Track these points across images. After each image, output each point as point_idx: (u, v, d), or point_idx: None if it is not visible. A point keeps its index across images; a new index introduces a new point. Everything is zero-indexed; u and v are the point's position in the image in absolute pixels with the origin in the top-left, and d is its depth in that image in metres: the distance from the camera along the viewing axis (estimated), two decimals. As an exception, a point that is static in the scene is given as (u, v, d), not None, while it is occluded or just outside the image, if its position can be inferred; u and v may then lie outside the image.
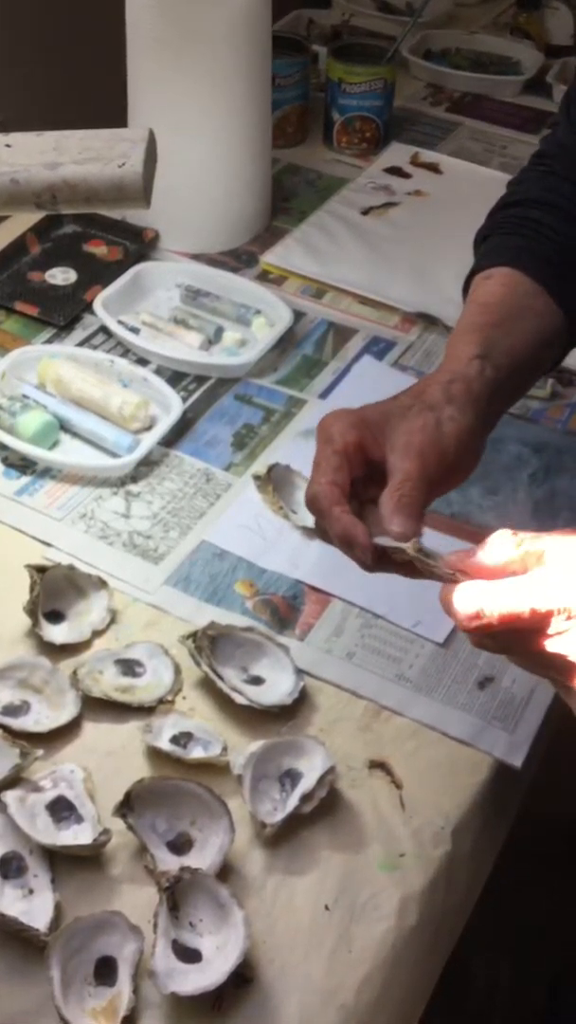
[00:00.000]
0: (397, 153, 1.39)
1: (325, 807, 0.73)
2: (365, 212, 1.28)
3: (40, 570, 0.85)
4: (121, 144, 0.78)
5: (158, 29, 1.09)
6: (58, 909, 0.67)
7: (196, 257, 1.22)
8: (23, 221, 1.23)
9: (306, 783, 0.73)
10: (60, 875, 0.69)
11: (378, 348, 1.12)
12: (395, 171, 1.36)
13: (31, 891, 0.68)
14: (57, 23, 1.32)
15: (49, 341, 1.11)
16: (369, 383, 1.07)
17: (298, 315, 1.13)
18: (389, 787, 0.75)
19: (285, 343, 1.11)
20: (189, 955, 0.65)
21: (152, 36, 1.10)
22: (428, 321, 1.14)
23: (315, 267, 1.20)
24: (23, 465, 0.98)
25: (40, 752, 0.74)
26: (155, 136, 0.78)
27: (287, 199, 1.31)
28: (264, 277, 1.20)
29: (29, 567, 0.85)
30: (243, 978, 0.65)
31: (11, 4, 1.23)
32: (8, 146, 0.78)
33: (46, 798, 0.72)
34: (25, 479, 0.97)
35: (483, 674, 0.83)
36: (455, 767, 0.76)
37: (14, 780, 0.73)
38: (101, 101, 1.19)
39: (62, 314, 1.12)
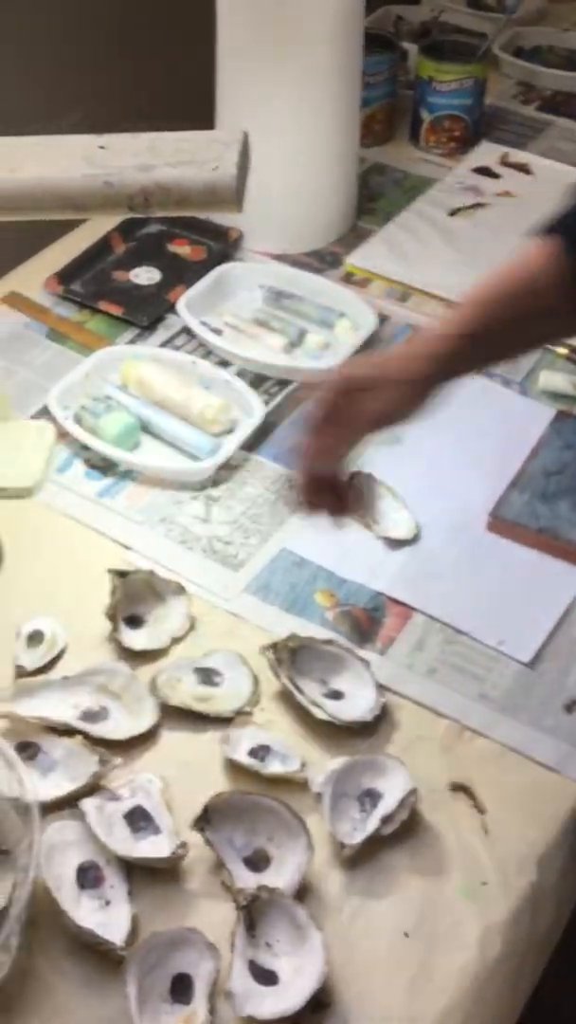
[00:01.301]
0: (486, 153, 1.35)
1: (405, 829, 0.71)
2: (453, 213, 1.26)
3: (121, 575, 0.84)
4: (215, 146, 0.77)
5: (251, 26, 1.08)
6: (135, 922, 0.67)
7: (279, 257, 1.20)
8: (108, 220, 1.23)
9: (387, 804, 0.71)
10: (136, 887, 0.69)
11: (464, 354, 1.09)
12: (484, 171, 1.33)
13: (108, 902, 0.68)
14: (144, 21, 1.32)
15: (132, 341, 1.11)
16: (455, 391, 1.04)
17: (382, 318, 1.11)
18: (471, 812, 0.73)
19: (369, 347, 1.09)
20: (266, 977, 0.64)
21: (244, 33, 1.08)
22: (516, 327, 1.11)
23: (400, 269, 1.18)
24: (104, 467, 0.98)
25: (119, 760, 0.74)
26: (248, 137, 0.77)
27: (373, 199, 1.29)
28: (348, 279, 1.18)
29: (111, 572, 0.84)
30: (321, 1003, 0.63)
31: (97, 2, 1.23)
32: (102, 147, 0.77)
33: (124, 807, 0.72)
34: (106, 481, 0.97)
35: (570, 696, 0.80)
36: (541, 793, 0.74)
37: (92, 788, 0.73)
38: (187, 98, 1.18)
39: (146, 314, 1.12)
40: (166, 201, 0.75)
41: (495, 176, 1.32)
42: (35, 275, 1.17)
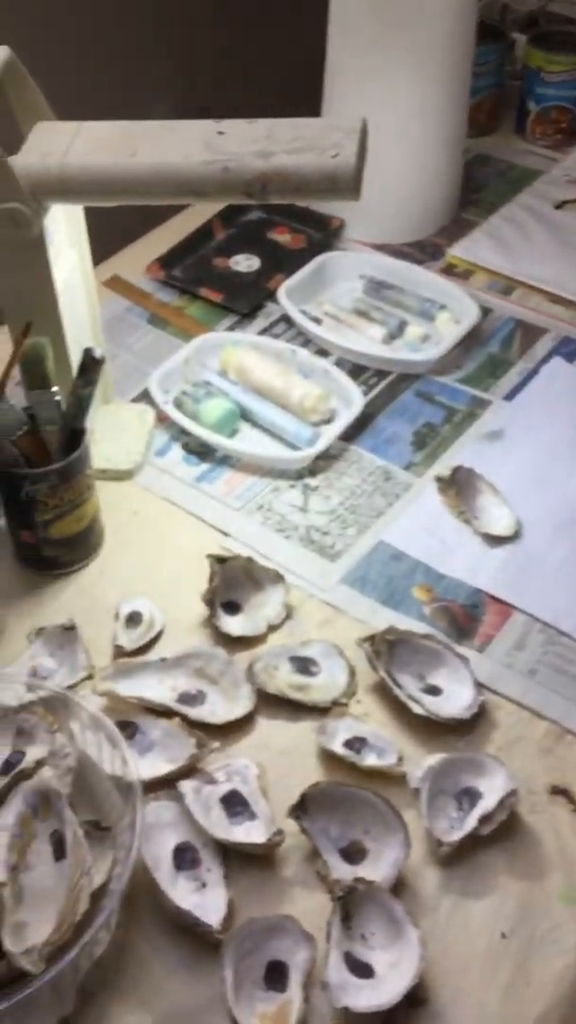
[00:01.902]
0: (593, 145, 1.33)
1: (504, 830, 0.70)
2: (559, 206, 1.23)
3: (220, 560, 0.85)
4: (334, 134, 0.76)
5: (363, 13, 1.06)
6: (230, 907, 0.67)
7: (380, 247, 1.19)
8: (210, 207, 1.23)
9: (486, 804, 0.70)
10: (231, 871, 0.69)
11: (569, 349, 1.07)
12: (591, 164, 1.30)
13: (204, 885, 0.68)
14: (256, 8, 1.31)
15: (231, 328, 1.11)
16: (559, 387, 1.03)
17: (484, 311, 1.10)
18: (572, 816, 0.72)
19: (470, 340, 1.07)
20: (362, 969, 0.64)
21: (357, 20, 1.07)
22: (623, 324, 1.09)
23: (504, 262, 1.16)
24: (203, 452, 0.98)
25: (216, 744, 0.74)
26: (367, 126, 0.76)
27: (476, 190, 1.27)
28: (450, 271, 1.16)
29: (210, 557, 0.85)
30: (416, 1000, 0.63)
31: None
32: (221, 133, 0.77)
33: (220, 791, 0.72)
34: (205, 466, 0.97)
35: None
36: None
37: (189, 770, 0.73)
38: (291, 83, 1.18)
39: (245, 302, 1.12)
40: (284, 188, 0.75)
41: (602, 169, 1.29)
42: (137, 260, 1.18)
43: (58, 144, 0.78)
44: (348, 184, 0.74)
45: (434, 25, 1.07)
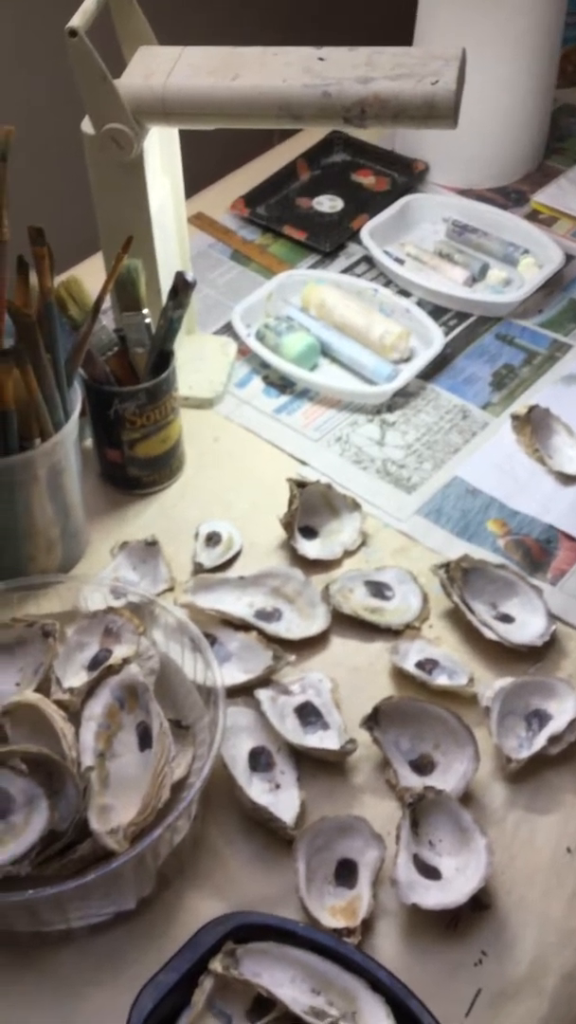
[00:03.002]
0: None
1: (572, 752, 0.72)
2: None
3: (300, 485, 0.87)
4: (434, 62, 0.77)
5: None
6: (303, 807, 0.69)
7: (464, 192, 1.20)
8: (295, 147, 1.24)
9: (556, 725, 0.72)
10: (304, 775, 0.71)
11: None
12: None
13: (277, 786, 0.70)
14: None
15: (313, 267, 1.12)
16: None
17: (568, 257, 1.10)
18: None
19: (552, 285, 1.07)
20: (429, 872, 0.66)
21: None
22: None
23: (588, 210, 1.15)
24: (282, 385, 1.00)
25: (292, 657, 0.77)
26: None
27: (562, 139, 1.27)
28: (534, 217, 1.16)
29: (291, 481, 0.87)
30: (481, 903, 0.65)
31: None
32: (321, 59, 0.78)
33: (295, 701, 0.75)
34: (284, 398, 0.99)
35: None
36: None
37: (266, 680, 0.76)
38: (385, 25, 1.18)
39: (328, 241, 1.13)
40: (382, 114, 0.76)
41: None
42: (222, 198, 1.20)
43: (161, 67, 0.80)
44: (446, 111, 0.75)
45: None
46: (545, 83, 1.17)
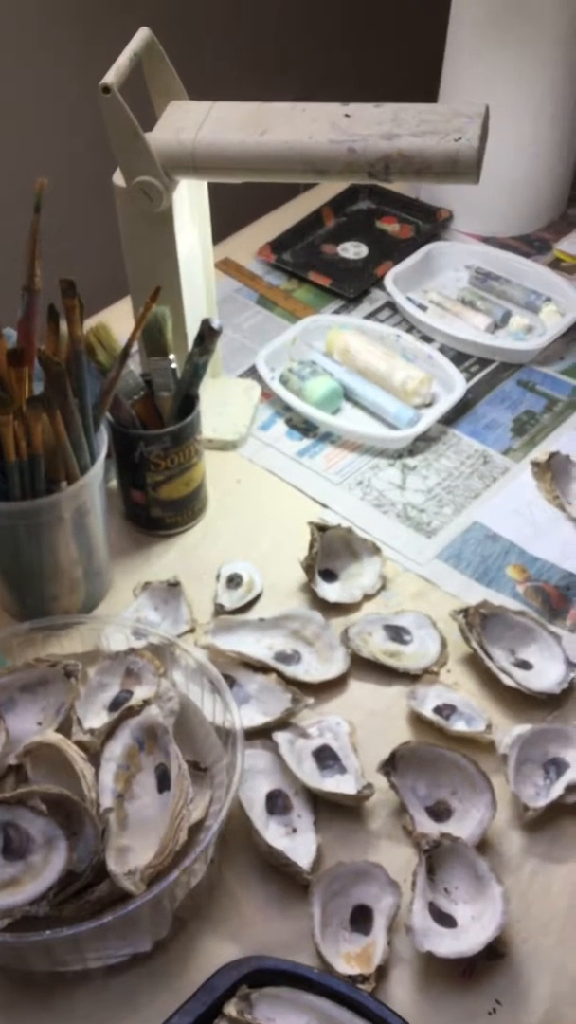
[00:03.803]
0: None
1: (589, 801, 0.72)
2: None
3: (321, 529, 0.88)
4: (458, 119, 0.79)
5: (484, 8, 1.09)
6: (319, 852, 0.70)
7: (487, 240, 1.21)
8: (321, 195, 1.27)
9: (573, 773, 0.72)
10: (321, 820, 0.72)
11: None
12: None
13: (294, 830, 0.71)
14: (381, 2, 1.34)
15: (337, 312, 1.14)
16: None
17: (589, 306, 1.11)
18: None
19: (574, 333, 1.09)
20: (444, 919, 0.66)
21: (477, 15, 1.10)
22: None
23: (610, 259, 1.17)
24: (305, 428, 1.02)
25: (311, 700, 0.77)
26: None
27: (585, 188, 1.28)
28: (556, 265, 1.18)
29: (312, 524, 0.88)
30: (496, 952, 0.65)
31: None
32: (347, 116, 0.80)
33: (312, 744, 0.75)
34: (307, 441, 1.00)
35: None
36: None
37: (284, 723, 0.76)
38: (413, 78, 1.21)
39: (353, 286, 1.15)
40: (407, 169, 0.78)
41: None
42: (248, 244, 1.22)
43: (191, 122, 0.82)
44: (469, 167, 0.76)
45: (553, 22, 1.08)
46: (568, 133, 1.19)
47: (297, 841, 0.70)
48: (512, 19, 1.08)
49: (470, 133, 0.76)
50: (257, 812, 0.71)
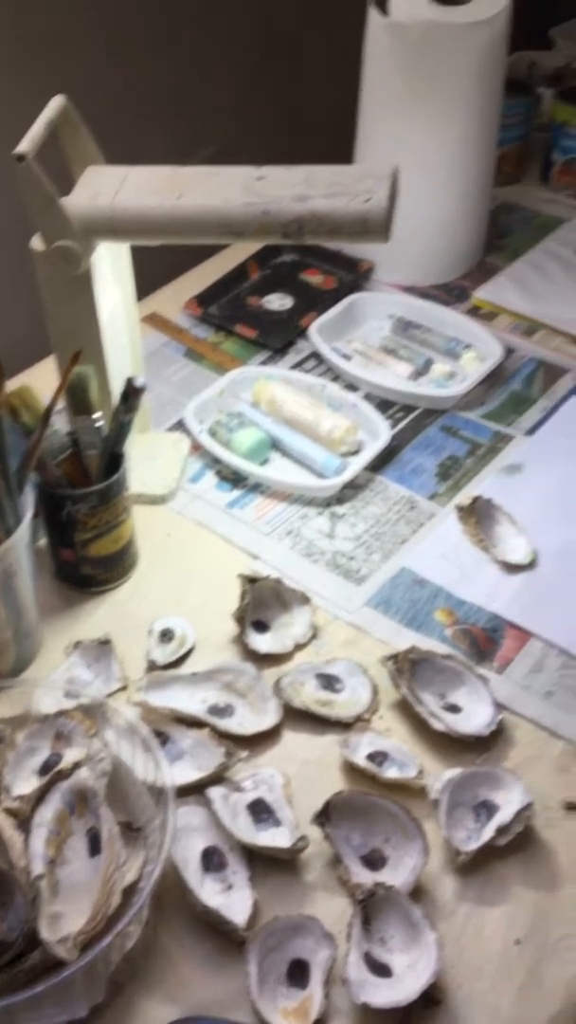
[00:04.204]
0: (615, 195, 1.38)
1: (519, 842, 0.73)
2: (581, 253, 1.28)
3: (251, 580, 0.89)
4: (367, 180, 0.81)
5: (395, 71, 1.12)
6: (255, 907, 0.70)
7: (408, 289, 1.24)
8: (246, 248, 1.29)
9: (503, 816, 0.73)
10: (256, 875, 0.72)
11: (588, 389, 1.11)
12: (612, 213, 1.35)
13: (230, 886, 0.71)
14: (284, 57, 1.38)
15: (264, 363, 1.16)
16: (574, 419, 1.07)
17: (508, 351, 1.14)
18: (585, 830, 0.74)
19: (494, 378, 1.12)
20: (380, 969, 0.66)
21: (389, 76, 1.13)
22: None
23: (527, 305, 1.20)
24: (235, 479, 1.03)
25: (245, 753, 0.78)
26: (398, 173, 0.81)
27: (501, 236, 1.32)
28: (475, 312, 1.21)
29: (242, 577, 0.88)
30: (432, 999, 0.65)
31: (237, 36, 1.29)
32: (261, 178, 0.82)
33: (247, 798, 0.75)
34: (236, 493, 1.02)
35: None
36: None
37: (218, 778, 0.76)
38: (327, 133, 1.24)
39: (278, 338, 1.17)
40: (319, 230, 0.80)
41: (624, 218, 1.34)
42: (174, 298, 1.24)
43: (108, 186, 0.84)
44: (378, 227, 0.79)
45: (463, 82, 1.12)
46: (484, 184, 1.23)
47: (233, 897, 0.70)
48: (422, 78, 1.11)
49: (379, 194, 0.79)
50: (192, 870, 0.71)
